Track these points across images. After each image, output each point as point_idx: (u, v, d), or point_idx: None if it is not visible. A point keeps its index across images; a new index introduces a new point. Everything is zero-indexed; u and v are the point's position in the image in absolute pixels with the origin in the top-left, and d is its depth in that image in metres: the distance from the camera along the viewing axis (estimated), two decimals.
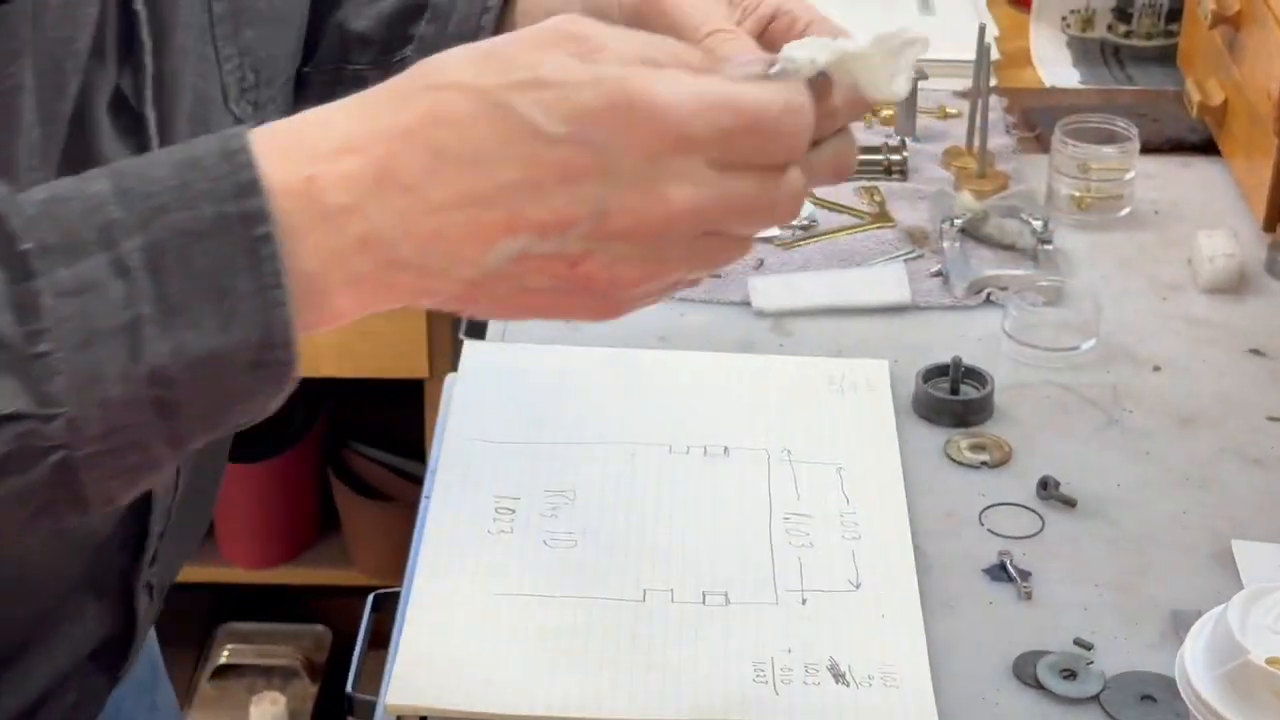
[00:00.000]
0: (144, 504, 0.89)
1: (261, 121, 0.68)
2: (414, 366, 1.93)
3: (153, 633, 1.12)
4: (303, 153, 0.65)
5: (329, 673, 2.16)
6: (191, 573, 2.13)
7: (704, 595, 1.00)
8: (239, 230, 0.64)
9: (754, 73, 0.69)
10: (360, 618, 1.87)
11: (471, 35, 0.93)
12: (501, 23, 0.94)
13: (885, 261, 1.31)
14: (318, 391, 2.05)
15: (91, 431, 0.65)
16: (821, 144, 0.72)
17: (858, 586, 1.00)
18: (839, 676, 0.94)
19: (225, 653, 2.13)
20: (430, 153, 0.65)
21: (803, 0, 0.79)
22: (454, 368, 1.20)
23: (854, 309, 1.26)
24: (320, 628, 2.19)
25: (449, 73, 0.66)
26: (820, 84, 0.71)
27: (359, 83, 0.70)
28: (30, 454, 0.64)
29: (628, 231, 0.67)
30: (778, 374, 1.19)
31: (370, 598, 1.13)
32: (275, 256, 0.64)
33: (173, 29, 0.81)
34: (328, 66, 0.97)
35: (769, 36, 0.77)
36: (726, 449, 1.11)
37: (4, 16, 0.71)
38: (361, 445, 2.14)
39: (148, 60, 0.79)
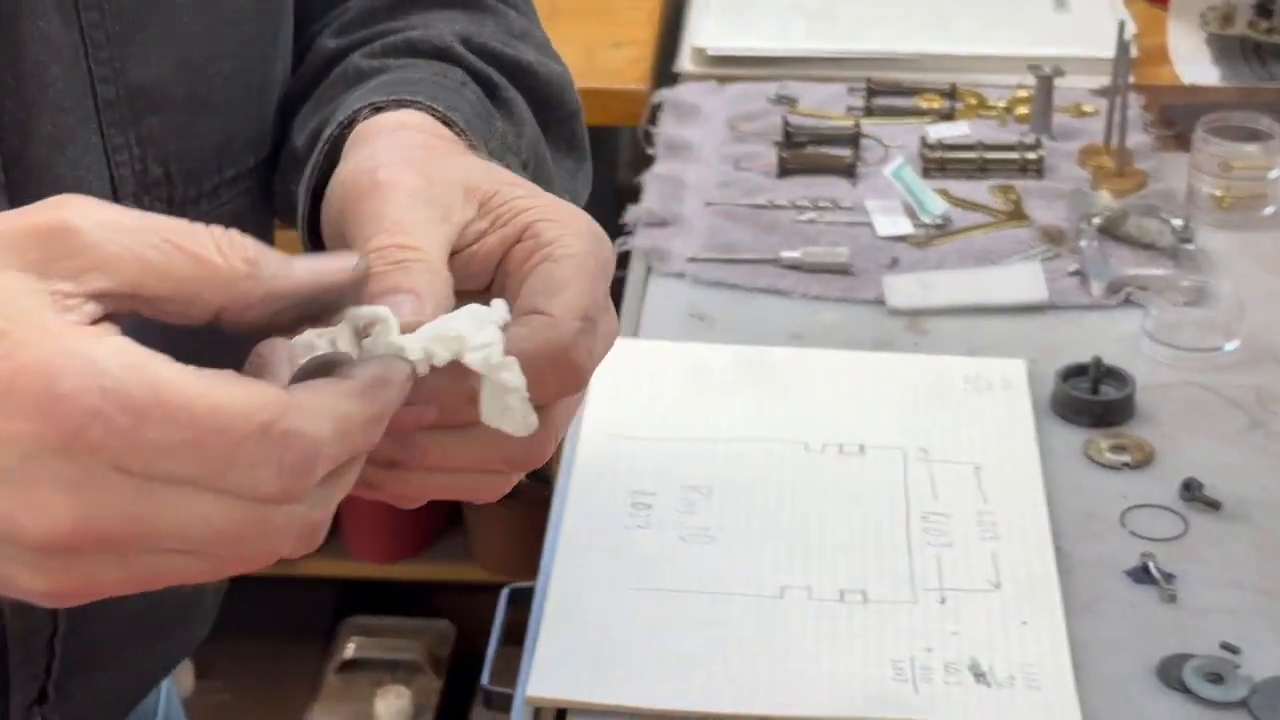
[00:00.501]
0: None
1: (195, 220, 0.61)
2: None
3: (173, 693, 1.04)
4: None
5: (453, 668, 2.17)
6: (317, 567, 2.16)
7: (842, 593, 0.99)
8: None
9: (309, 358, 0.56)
10: (483, 613, 1.88)
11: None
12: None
13: (1021, 260, 1.30)
14: None
15: None
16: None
17: (998, 586, 0.99)
18: (980, 676, 0.93)
19: (351, 646, 2.15)
20: None
21: (559, 223, 0.64)
22: None
23: (990, 308, 1.25)
24: (444, 623, 2.21)
25: None
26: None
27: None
28: None
29: (21, 539, 0.53)
30: (913, 372, 1.18)
31: (505, 592, 1.14)
32: None
33: (39, 114, 0.71)
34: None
35: (509, 263, 0.64)
36: (862, 447, 1.11)
37: None
38: None
39: None
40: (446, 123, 0.71)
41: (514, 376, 0.58)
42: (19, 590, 0.54)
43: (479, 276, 0.65)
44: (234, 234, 0.56)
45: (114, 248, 0.53)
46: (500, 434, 0.59)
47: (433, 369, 0.58)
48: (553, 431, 0.62)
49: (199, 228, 0.55)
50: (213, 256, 0.55)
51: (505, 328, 0.60)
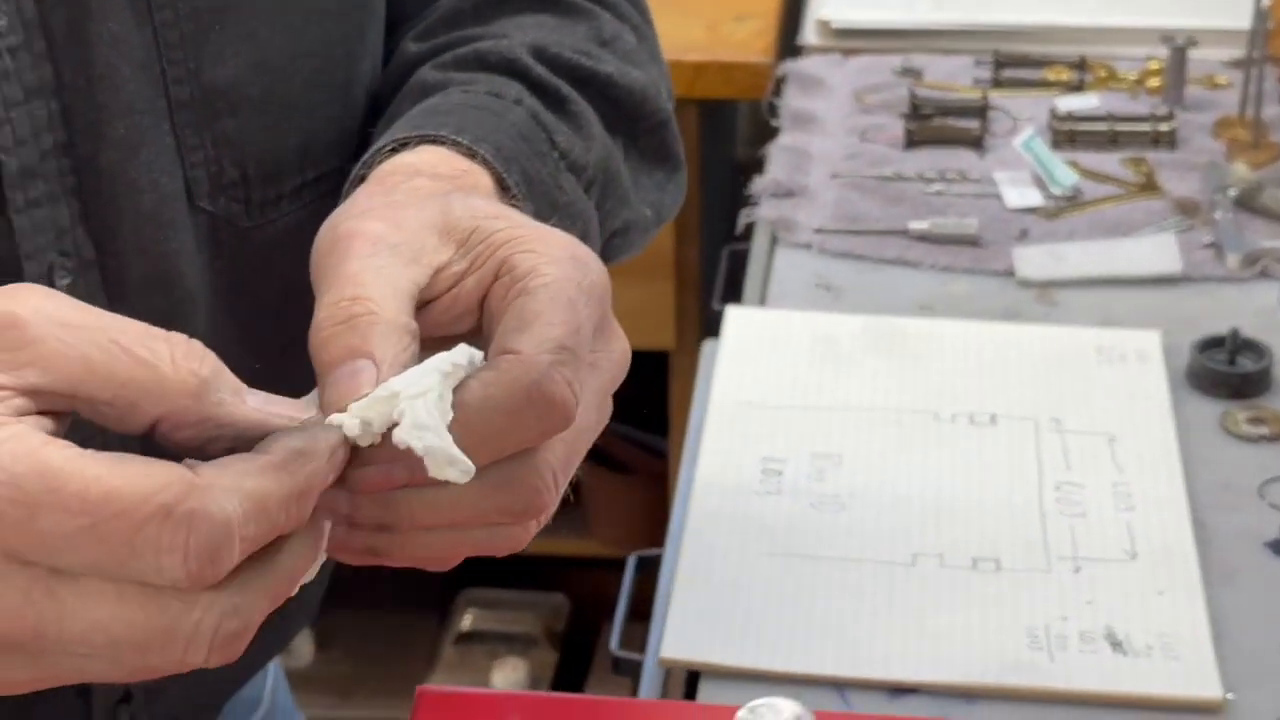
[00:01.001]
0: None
1: (265, 222, 0.64)
2: (661, 339, 1.94)
3: (280, 680, 1.05)
4: None
5: (568, 641, 2.18)
6: None
7: (974, 561, 0.99)
8: None
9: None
10: (597, 588, 1.89)
11: None
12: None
13: (1154, 232, 1.28)
14: None
15: None
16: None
17: (1134, 556, 0.98)
18: (1116, 645, 0.92)
19: (468, 619, 2.17)
20: None
21: (535, 252, 0.60)
22: (702, 339, 1.21)
23: (1122, 279, 1.24)
24: (559, 596, 2.22)
25: None
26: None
27: None
28: None
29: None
30: (1044, 343, 1.17)
31: (632, 559, 1.14)
32: None
33: (111, 117, 0.70)
34: None
35: (489, 301, 0.61)
36: (993, 417, 1.10)
37: None
38: None
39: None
40: (471, 154, 0.69)
41: (427, 425, 0.55)
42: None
43: (465, 319, 0.61)
44: (198, 348, 0.54)
45: (57, 344, 0.52)
46: (488, 485, 0.57)
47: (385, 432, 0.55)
48: (547, 476, 0.58)
49: (160, 334, 0.54)
50: (161, 364, 0.53)
51: (476, 373, 0.57)
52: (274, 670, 1.05)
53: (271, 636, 0.88)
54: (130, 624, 0.51)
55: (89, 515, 0.49)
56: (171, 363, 0.53)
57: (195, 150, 0.73)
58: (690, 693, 0.94)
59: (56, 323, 0.52)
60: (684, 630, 0.95)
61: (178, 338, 0.54)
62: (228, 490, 0.51)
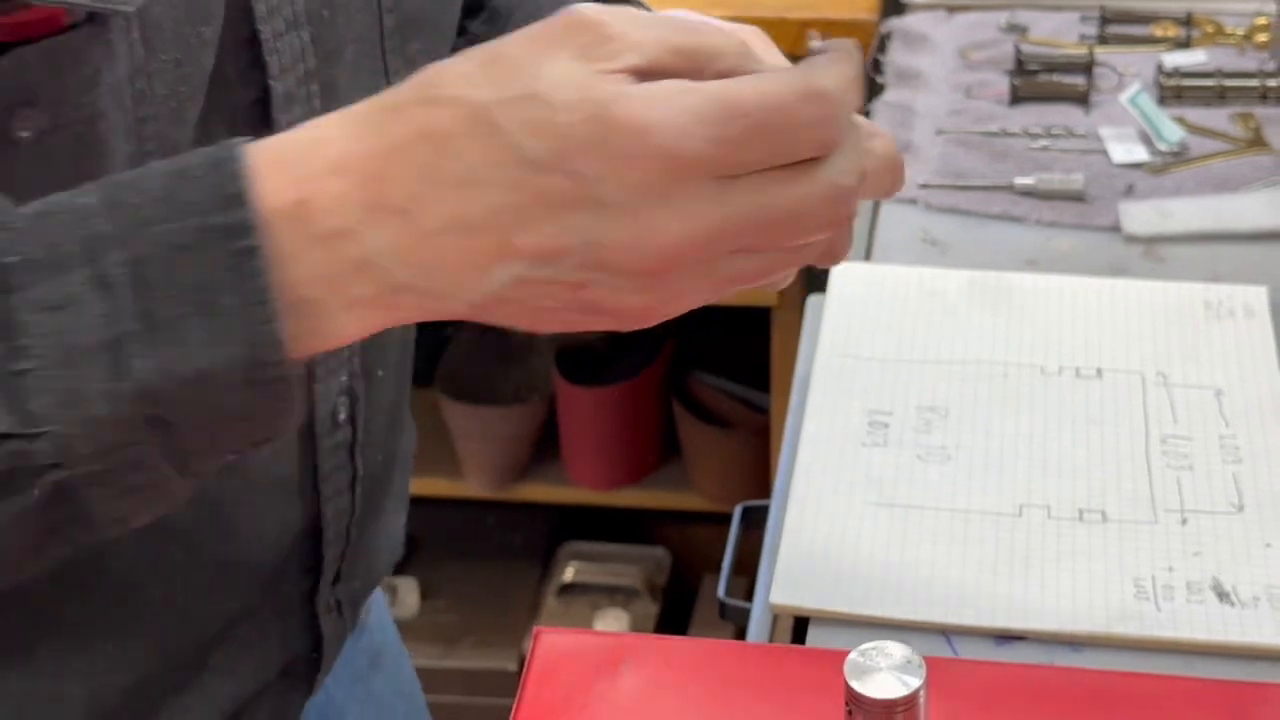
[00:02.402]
0: (315, 529, 0.88)
1: None
2: (763, 295, 1.96)
3: (386, 616, 1.12)
4: (295, 172, 0.62)
5: (669, 594, 2.21)
6: (537, 492, 2.21)
7: (1081, 512, 1.00)
8: (223, 243, 0.61)
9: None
10: (697, 542, 1.89)
11: None
12: None
13: (1263, 188, 1.28)
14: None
15: (83, 450, 0.62)
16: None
17: (1240, 509, 0.99)
18: (1223, 595, 0.93)
19: (570, 570, 2.20)
20: (419, 175, 0.61)
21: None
22: (806, 296, 1.22)
23: (1230, 235, 1.24)
24: (660, 550, 2.25)
25: (446, 85, 0.62)
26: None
27: None
28: (24, 473, 0.61)
29: (622, 265, 0.62)
30: (1150, 298, 1.17)
31: (739, 509, 1.16)
32: (261, 271, 0.61)
33: (344, 44, 0.80)
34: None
35: None
36: (1099, 371, 1.11)
37: (73, 45, 0.66)
38: (704, 373, 2.18)
39: (295, 79, 0.77)
40: None
41: None
42: (612, 313, 0.63)
43: None
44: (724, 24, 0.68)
45: (637, 33, 0.61)
46: None
47: None
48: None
49: (699, 20, 0.68)
50: (716, 33, 0.64)
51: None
52: (380, 601, 1.10)
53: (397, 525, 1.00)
54: (799, 193, 0.61)
55: (755, 117, 0.60)
56: (721, 32, 0.64)
57: (396, 73, 0.82)
58: (798, 639, 0.96)
59: (624, 19, 0.62)
60: (792, 578, 0.97)
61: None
62: (827, 72, 0.62)
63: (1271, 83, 1.39)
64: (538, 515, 2.25)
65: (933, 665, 0.79)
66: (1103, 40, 1.50)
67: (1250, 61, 1.44)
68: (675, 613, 2.20)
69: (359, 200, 0.62)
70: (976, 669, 0.87)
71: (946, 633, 0.93)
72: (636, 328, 0.65)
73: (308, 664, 0.93)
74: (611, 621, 2.11)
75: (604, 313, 0.64)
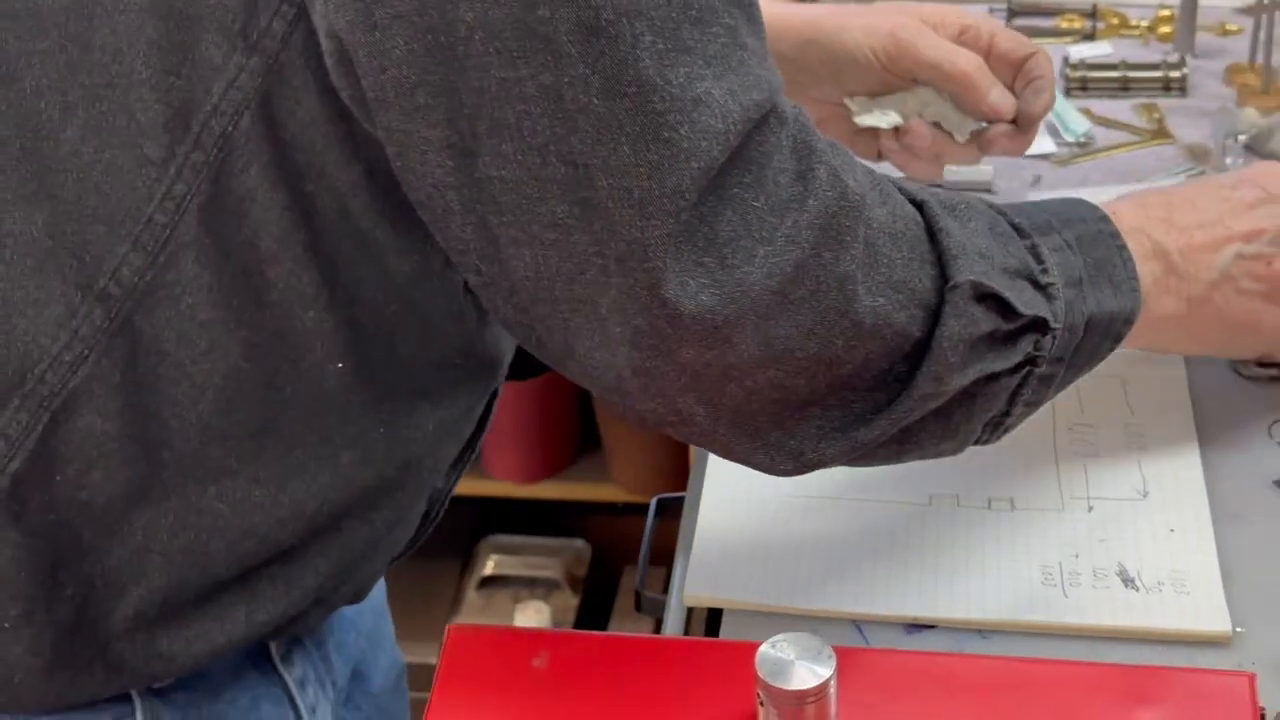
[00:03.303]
0: (482, 424, 1.00)
1: None
2: None
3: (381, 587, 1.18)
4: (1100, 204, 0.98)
5: (589, 586, 2.21)
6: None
7: (989, 501, 1.01)
8: (1111, 240, 0.95)
9: None
10: (618, 533, 1.88)
11: None
12: None
13: (1166, 178, 1.30)
14: None
15: (1055, 354, 0.90)
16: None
17: (1145, 495, 1.01)
18: (1128, 581, 0.95)
19: (490, 563, 2.20)
20: (1164, 201, 1.01)
21: (989, 23, 1.15)
22: None
23: None
24: (580, 542, 2.25)
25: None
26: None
27: None
28: (1028, 361, 0.89)
29: None
30: None
31: (654, 502, 1.17)
32: (1131, 260, 0.95)
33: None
34: None
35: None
36: None
37: None
38: None
39: None
40: None
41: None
42: None
43: None
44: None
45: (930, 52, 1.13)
46: None
47: None
48: None
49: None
50: (957, 56, 1.13)
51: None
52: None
53: None
54: None
55: None
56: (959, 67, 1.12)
57: None
58: (712, 631, 0.97)
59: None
60: (706, 571, 0.98)
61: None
62: None
63: (1174, 74, 1.41)
64: (458, 509, 2.23)
65: (843, 655, 0.80)
66: None
67: (1154, 53, 1.46)
68: (597, 604, 2.21)
69: (1137, 213, 0.99)
70: (886, 658, 0.88)
71: (858, 622, 0.94)
72: None
73: (412, 543, 1.03)
74: (532, 614, 2.11)
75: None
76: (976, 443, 0.92)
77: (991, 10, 1.54)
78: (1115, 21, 1.51)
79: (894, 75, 1.14)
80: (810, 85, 1.15)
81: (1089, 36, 1.50)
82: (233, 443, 0.86)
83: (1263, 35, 1.38)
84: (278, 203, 0.82)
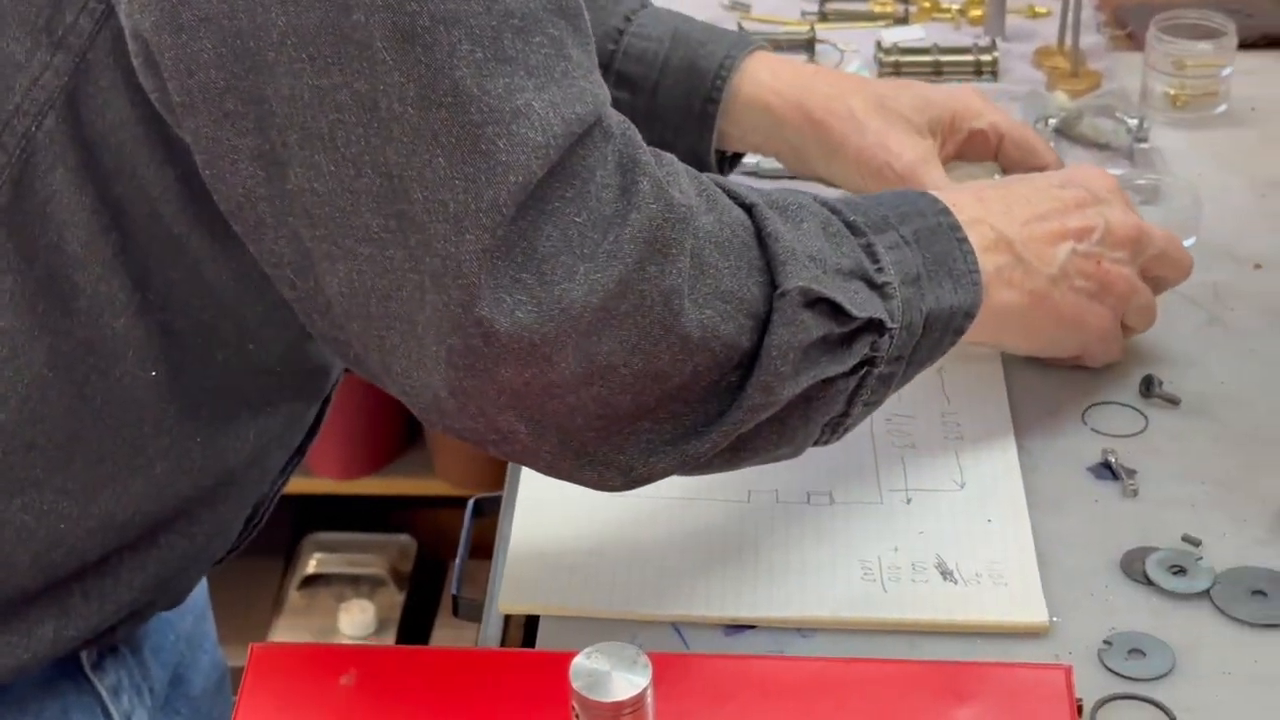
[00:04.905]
0: (313, 431, 1.00)
1: None
2: None
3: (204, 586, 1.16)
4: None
5: (415, 582, 2.18)
6: None
7: (809, 495, 1.00)
8: (951, 233, 0.94)
9: None
10: (444, 527, 1.86)
11: (688, 117, 1.13)
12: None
13: (977, 160, 1.30)
14: None
15: (894, 354, 0.89)
16: None
17: (962, 486, 1.00)
18: (946, 574, 0.94)
19: (313, 562, 2.15)
20: (1002, 196, 1.00)
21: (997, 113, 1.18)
22: None
23: None
24: (405, 537, 2.22)
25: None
26: None
27: None
28: (867, 359, 0.88)
29: (1120, 238, 1.02)
30: None
31: (471, 503, 1.14)
32: (972, 253, 0.94)
33: None
34: None
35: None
36: None
37: None
38: None
39: None
40: None
41: None
42: (1117, 291, 1.03)
43: None
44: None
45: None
46: None
47: None
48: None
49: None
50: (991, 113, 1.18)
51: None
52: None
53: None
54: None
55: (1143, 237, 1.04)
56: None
57: None
58: (532, 634, 0.94)
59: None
60: (522, 577, 0.95)
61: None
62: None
63: (985, 58, 1.41)
64: (279, 507, 2.19)
65: (660, 662, 0.78)
66: (823, 17, 1.51)
67: (965, 37, 1.46)
68: (423, 600, 2.17)
69: (977, 206, 0.97)
70: (704, 663, 0.87)
71: (677, 625, 0.93)
72: (1113, 345, 1.06)
73: (233, 548, 1.02)
74: (356, 614, 2.07)
75: (1109, 289, 1.02)
76: (817, 443, 0.91)
77: None
78: (927, 5, 1.52)
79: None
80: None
81: (902, 20, 1.50)
82: (38, 453, 0.83)
83: (1070, 18, 1.39)
84: (85, 206, 0.79)
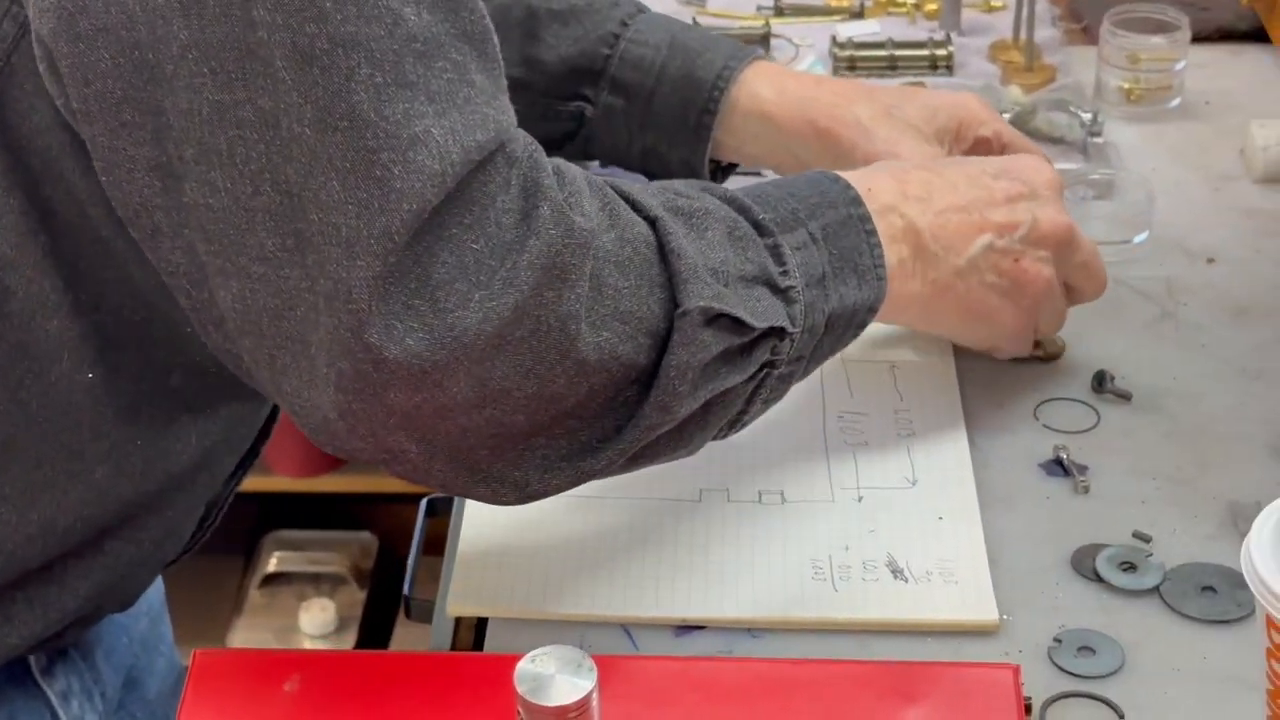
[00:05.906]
0: (265, 432, 1.00)
1: None
2: None
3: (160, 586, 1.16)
4: (858, 179, 0.95)
5: (376, 579, 2.17)
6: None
7: (760, 494, 1.00)
8: (860, 226, 0.92)
9: None
10: (405, 524, 1.84)
11: (683, 128, 1.12)
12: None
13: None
14: None
15: (794, 355, 0.88)
16: None
17: (914, 483, 1.00)
18: (897, 572, 0.94)
19: (273, 561, 2.14)
20: (926, 181, 0.98)
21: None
22: None
23: None
24: (366, 535, 2.21)
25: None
26: None
27: None
28: (766, 362, 0.87)
29: (1046, 237, 1.00)
30: None
31: (423, 503, 1.14)
32: (879, 247, 0.93)
33: None
34: None
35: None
36: None
37: None
38: None
39: None
40: None
41: None
42: (1031, 290, 1.02)
43: None
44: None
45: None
46: None
47: None
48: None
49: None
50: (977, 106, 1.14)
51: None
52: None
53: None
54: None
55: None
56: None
57: None
58: (482, 635, 0.94)
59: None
60: (470, 580, 0.95)
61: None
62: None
63: (941, 52, 1.41)
64: (238, 505, 2.17)
65: (606, 665, 0.78)
66: (779, 12, 1.50)
67: (920, 31, 1.46)
68: (384, 597, 2.17)
69: (894, 191, 0.95)
70: (651, 665, 0.86)
71: (626, 626, 0.92)
72: (1023, 338, 1.04)
73: (186, 549, 1.02)
74: (317, 612, 2.06)
75: (1024, 288, 1.00)
76: (715, 439, 0.90)
77: None
78: (883, 0, 1.51)
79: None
80: None
81: (857, 14, 1.50)
82: None
83: (1025, 12, 1.38)
84: (14, 208, 0.78)
